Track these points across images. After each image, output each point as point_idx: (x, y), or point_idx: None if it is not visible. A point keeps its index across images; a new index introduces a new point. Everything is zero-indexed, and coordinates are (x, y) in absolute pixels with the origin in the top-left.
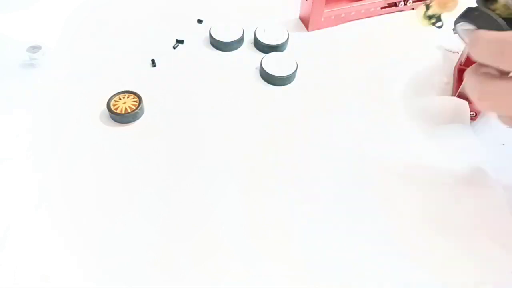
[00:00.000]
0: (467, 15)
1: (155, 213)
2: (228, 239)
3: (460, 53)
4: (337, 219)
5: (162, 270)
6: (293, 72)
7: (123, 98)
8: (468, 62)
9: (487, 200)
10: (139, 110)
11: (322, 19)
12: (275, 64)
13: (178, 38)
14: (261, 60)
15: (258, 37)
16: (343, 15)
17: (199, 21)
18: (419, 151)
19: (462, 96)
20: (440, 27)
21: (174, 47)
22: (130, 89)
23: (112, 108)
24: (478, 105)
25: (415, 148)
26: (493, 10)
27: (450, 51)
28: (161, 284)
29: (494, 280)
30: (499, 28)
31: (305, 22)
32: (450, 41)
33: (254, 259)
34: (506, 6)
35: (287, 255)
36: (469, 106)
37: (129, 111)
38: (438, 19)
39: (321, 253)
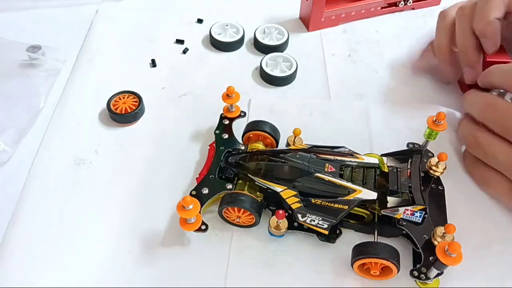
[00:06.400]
0: None
1: (155, 213)
2: (227, 238)
3: None
4: None
5: (162, 269)
6: (293, 72)
7: (123, 98)
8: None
9: None
10: (139, 110)
11: (322, 19)
12: (275, 64)
13: (178, 38)
14: (261, 61)
15: (258, 38)
16: (343, 15)
17: (199, 21)
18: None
19: (463, 86)
20: None
21: (184, 52)
22: (130, 89)
23: (112, 108)
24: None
25: None
26: None
27: None
28: (160, 284)
29: None
30: None
31: (305, 22)
32: None
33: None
34: None
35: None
36: None
37: (129, 111)
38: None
39: (322, 253)
